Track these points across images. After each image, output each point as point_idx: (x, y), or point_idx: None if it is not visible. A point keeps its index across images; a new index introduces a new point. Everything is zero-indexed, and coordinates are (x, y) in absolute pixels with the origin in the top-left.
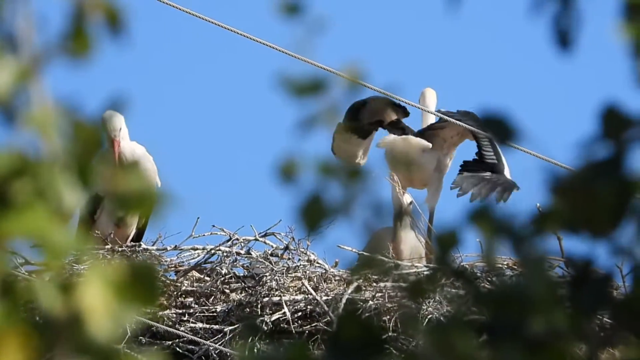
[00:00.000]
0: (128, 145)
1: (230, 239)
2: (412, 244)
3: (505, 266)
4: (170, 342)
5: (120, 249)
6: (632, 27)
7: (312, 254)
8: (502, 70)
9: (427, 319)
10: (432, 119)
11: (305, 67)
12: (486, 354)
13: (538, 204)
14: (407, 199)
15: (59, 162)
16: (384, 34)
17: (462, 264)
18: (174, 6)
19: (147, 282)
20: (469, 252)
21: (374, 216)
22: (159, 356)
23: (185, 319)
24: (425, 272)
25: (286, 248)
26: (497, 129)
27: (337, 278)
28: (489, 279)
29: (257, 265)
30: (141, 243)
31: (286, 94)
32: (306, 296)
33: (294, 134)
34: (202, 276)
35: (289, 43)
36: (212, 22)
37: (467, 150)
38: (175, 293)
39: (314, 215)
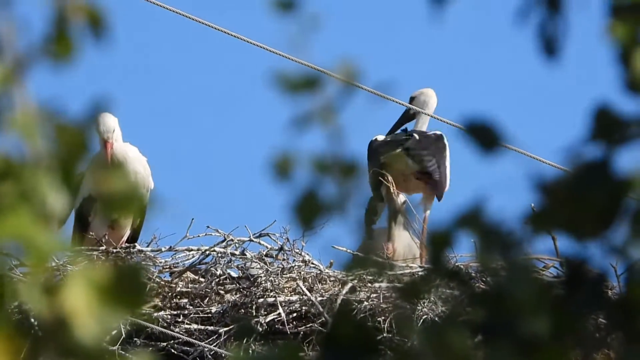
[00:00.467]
0: (120, 147)
1: (225, 239)
2: (406, 244)
3: (500, 267)
4: (165, 344)
5: (114, 251)
6: (617, 28)
7: (307, 254)
8: (491, 74)
9: (422, 320)
10: (427, 121)
11: (297, 66)
12: (480, 354)
13: (532, 204)
14: (401, 199)
15: (42, 165)
16: (373, 37)
17: (457, 264)
18: (165, 7)
19: (133, 284)
20: (464, 253)
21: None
22: (148, 357)
23: (180, 320)
24: (419, 273)
25: (281, 249)
26: (481, 135)
27: (332, 279)
28: (484, 279)
29: (252, 267)
30: (136, 244)
31: (280, 90)
32: (301, 297)
33: (288, 131)
34: (196, 277)
35: (282, 42)
36: (203, 23)
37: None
38: (170, 294)
39: (308, 212)
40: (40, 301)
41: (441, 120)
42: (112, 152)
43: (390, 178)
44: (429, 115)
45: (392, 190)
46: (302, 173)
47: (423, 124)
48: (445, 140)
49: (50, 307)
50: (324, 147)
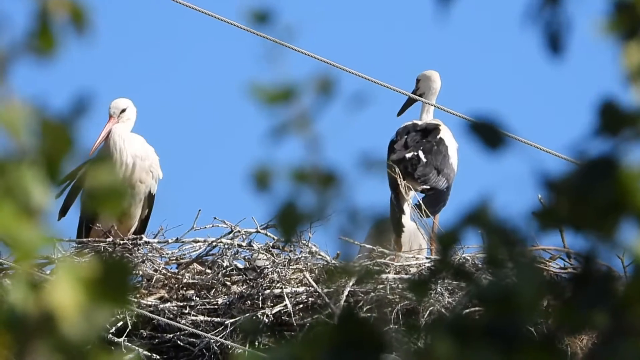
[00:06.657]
0: (123, 130)
1: (232, 231)
2: (412, 234)
3: (506, 263)
4: (171, 335)
5: (121, 242)
6: (619, 24)
7: (314, 245)
8: (498, 69)
9: (428, 312)
10: (432, 107)
11: (296, 55)
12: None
13: (540, 197)
14: (408, 191)
15: (27, 160)
16: (384, 35)
17: (463, 255)
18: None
19: (119, 279)
20: (471, 245)
21: (350, 222)
22: (133, 353)
23: (186, 311)
24: (426, 265)
25: (288, 240)
26: (486, 133)
27: (339, 270)
28: (490, 271)
29: (259, 258)
30: (143, 236)
31: (257, 102)
32: (308, 288)
33: (266, 142)
34: (203, 269)
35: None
36: (201, 11)
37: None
38: (176, 286)
39: (289, 223)
40: (26, 296)
41: (448, 112)
42: (109, 127)
43: (397, 169)
44: (432, 105)
45: (399, 182)
46: (282, 184)
47: (429, 108)
48: (447, 142)
49: (37, 302)
50: (302, 157)
